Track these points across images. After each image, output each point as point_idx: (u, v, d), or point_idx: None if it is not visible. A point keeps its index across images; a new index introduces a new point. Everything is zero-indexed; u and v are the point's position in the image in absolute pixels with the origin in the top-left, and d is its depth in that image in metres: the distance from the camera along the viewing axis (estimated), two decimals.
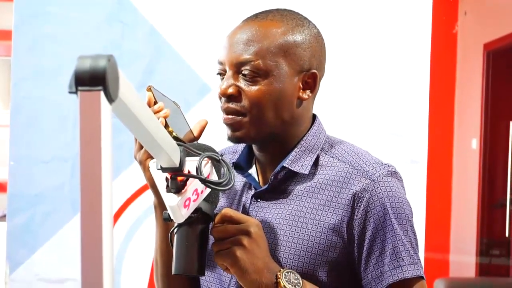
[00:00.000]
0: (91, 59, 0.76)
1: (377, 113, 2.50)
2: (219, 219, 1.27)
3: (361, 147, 1.46)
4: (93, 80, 0.75)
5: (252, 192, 1.43)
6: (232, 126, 1.38)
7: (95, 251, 0.75)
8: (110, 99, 0.77)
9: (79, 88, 0.75)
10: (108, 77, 0.75)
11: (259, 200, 1.42)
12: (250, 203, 1.42)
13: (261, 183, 1.45)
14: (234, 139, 1.40)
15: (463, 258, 5.20)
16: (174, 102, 1.41)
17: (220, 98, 1.40)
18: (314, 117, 1.46)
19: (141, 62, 2.51)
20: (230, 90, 1.36)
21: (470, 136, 5.53)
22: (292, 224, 1.37)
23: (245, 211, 1.42)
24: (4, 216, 4.42)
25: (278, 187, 1.41)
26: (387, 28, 2.50)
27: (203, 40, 2.53)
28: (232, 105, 1.37)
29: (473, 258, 5.33)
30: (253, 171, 1.47)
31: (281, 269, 1.29)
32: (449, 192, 2.45)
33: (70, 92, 0.76)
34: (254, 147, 1.46)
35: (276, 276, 1.28)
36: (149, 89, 1.36)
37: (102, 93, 0.75)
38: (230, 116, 1.38)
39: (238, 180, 1.47)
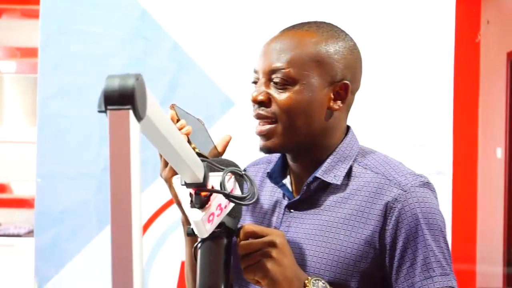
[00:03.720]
0: (119, 78, 0.76)
1: (401, 124, 2.49)
2: (243, 236, 1.27)
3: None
4: (122, 99, 0.76)
5: (286, 202, 1.44)
6: (264, 136, 1.39)
7: (125, 264, 0.76)
8: (139, 117, 0.77)
9: (109, 107, 0.76)
10: (136, 96, 0.76)
11: (292, 210, 1.43)
12: (284, 213, 1.43)
13: (294, 193, 1.46)
14: (265, 149, 1.41)
15: (490, 268, 5.14)
16: (198, 119, 1.42)
17: (254, 106, 1.42)
18: (347, 128, 1.47)
19: (165, 77, 2.53)
20: (260, 97, 1.38)
21: (494, 145, 5.49)
22: (324, 235, 1.37)
23: (279, 221, 1.43)
24: (30, 232, 4.47)
25: (311, 197, 1.42)
26: (410, 38, 2.50)
27: (226, 55, 2.54)
28: (262, 112, 1.39)
29: (500, 269, 5.28)
30: (287, 181, 1.48)
31: (309, 277, 1.30)
32: (474, 202, 2.43)
33: (99, 111, 0.77)
34: (288, 157, 1.47)
35: (304, 284, 1.29)
36: (172, 107, 1.37)
37: (131, 111, 0.76)
38: (263, 128, 1.39)
39: (273, 191, 1.48)
